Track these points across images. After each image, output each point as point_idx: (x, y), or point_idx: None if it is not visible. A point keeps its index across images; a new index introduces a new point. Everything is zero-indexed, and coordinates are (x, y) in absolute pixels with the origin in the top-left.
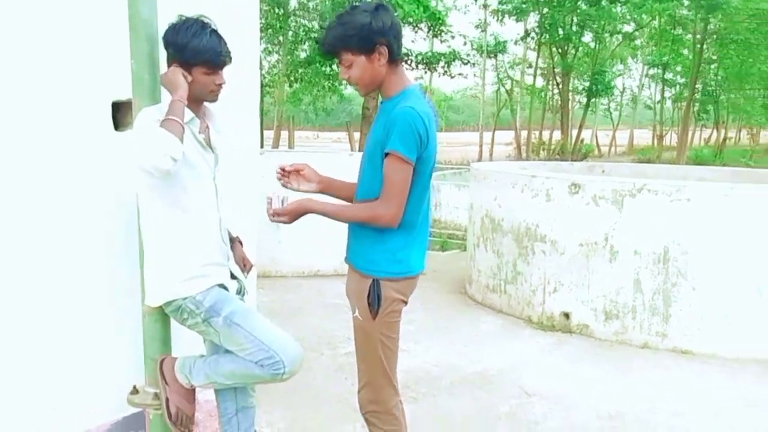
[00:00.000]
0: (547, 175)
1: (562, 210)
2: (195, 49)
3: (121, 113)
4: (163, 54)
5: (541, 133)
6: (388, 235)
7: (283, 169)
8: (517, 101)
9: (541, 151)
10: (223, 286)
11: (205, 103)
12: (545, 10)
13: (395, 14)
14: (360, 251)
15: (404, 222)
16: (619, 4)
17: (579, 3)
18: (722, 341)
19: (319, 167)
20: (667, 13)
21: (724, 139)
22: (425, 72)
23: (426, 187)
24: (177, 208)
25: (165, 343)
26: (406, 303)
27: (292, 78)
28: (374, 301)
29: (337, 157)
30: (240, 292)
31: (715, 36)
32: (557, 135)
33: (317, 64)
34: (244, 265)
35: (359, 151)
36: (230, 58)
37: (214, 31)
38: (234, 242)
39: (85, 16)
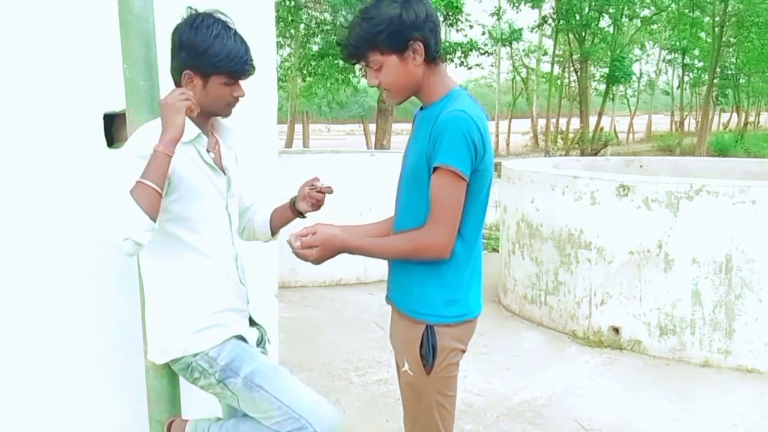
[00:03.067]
0: (591, 176)
1: (609, 214)
2: (217, 55)
3: (115, 127)
4: (161, 56)
5: (558, 122)
6: (441, 268)
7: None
8: (533, 89)
9: (559, 140)
10: (241, 338)
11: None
12: None
13: (429, 2)
14: (407, 289)
15: (461, 252)
16: None
17: None
18: None
19: (339, 169)
20: None
21: (746, 124)
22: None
23: (484, 208)
24: (182, 245)
25: (173, 403)
26: (464, 352)
27: (305, 71)
28: (428, 352)
29: (358, 158)
30: (261, 342)
31: (734, 18)
32: (574, 123)
33: (330, 57)
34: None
35: (375, 146)
36: (254, 68)
37: (237, 34)
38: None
39: (70, 12)
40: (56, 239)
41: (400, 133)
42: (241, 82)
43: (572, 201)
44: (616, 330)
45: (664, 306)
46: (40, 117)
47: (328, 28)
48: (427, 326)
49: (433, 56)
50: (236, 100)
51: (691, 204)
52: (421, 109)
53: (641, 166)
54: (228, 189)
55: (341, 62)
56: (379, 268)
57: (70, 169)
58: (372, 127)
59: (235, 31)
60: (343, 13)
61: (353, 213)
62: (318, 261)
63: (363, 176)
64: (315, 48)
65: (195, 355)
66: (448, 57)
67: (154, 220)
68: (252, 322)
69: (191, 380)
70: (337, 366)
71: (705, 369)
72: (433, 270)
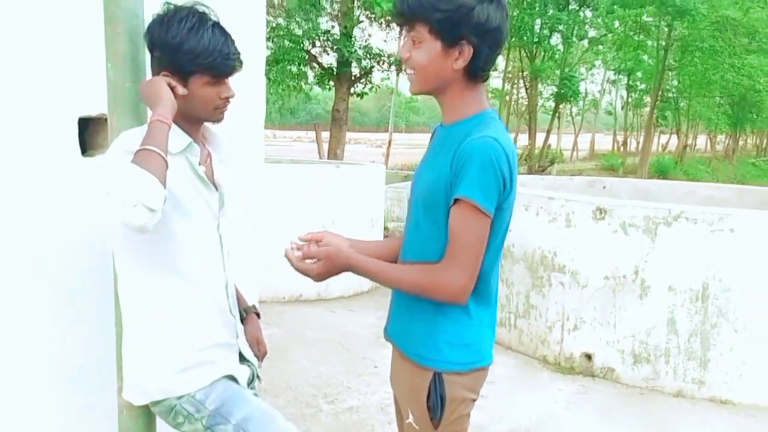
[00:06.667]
0: (567, 198)
1: (584, 237)
2: (193, 51)
3: (89, 132)
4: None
5: None
6: (451, 308)
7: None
8: None
9: None
10: (232, 378)
11: (206, 123)
12: (515, 12)
13: (507, 17)
14: (413, 330)
15: (475, 293)
16: (588, 9)
17: (548, 7)
18: (767, 391)
19: (302, 180)
20: (632, 20)
21: (684, 147)
22: (394, 73)
23: (500, 248)
24: (167, 270)
25: None
26: (475, 401)
27: None
28: (436, 403)
29: (323, 169)
30: (251, 381)
31: (679, 43)
32: (521, 139)
33: (284, 63)
34: (258, 350)
35: (329, 155)
36: (241, 63)
37: (218, 25)
38: (248, 314)
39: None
40: (21, 257)
41: (349, 141)
42: (229, 80)
43: (546, 222)
44: (589, 357)
45: (638, 333)
46: (8, 122)
47: (282, 33)
48: (435, 373)
49: (477, 72)
50: (225, 102)
51: (669, 230)
52: (442, 125)
53: (604, 187)
54: (220, 207)
55: (294, 68)
56: (340, 284)
57: (41, 179)
58: (324, 134)
59: (215, 23)
60: (297, 19)
61: (316, 226)
62: (320, 277)
63: (327, 188)
64: (267, 53)
65: (179, 397)
66: (400, 67)
67: (164, 183)
68: (242, 358)
69: (174, 425)
70: (304, 392)
71: (678, 399)
72: (441, 310)
